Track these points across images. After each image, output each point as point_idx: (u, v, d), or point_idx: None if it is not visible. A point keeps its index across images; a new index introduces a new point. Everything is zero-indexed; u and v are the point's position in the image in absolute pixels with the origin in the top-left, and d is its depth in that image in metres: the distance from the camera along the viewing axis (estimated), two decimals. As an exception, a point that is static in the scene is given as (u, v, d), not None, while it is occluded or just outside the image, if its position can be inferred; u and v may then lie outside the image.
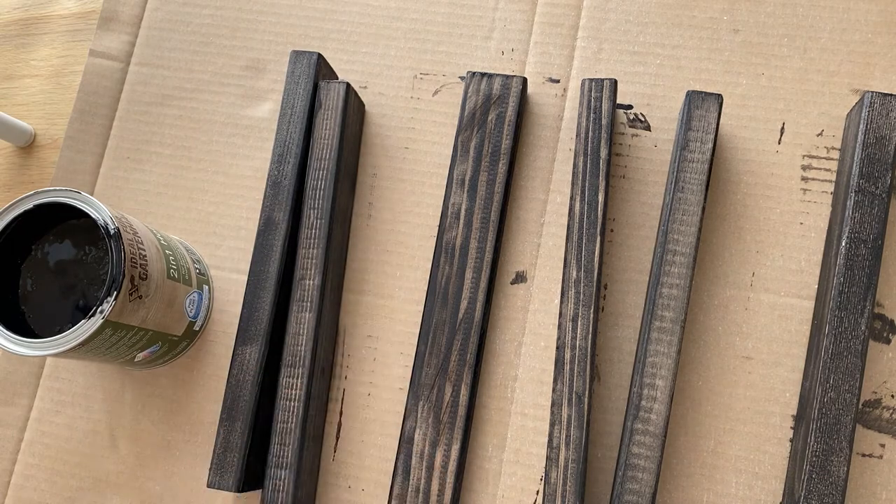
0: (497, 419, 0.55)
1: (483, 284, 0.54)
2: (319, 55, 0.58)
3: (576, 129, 0.55)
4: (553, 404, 0.50)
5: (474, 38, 0.61)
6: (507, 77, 0.57)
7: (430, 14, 0.62)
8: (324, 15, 0.63)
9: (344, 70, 0.62)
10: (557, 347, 0.51)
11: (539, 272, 0.57)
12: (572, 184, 0.53)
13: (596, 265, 0.52)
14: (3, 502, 0.58)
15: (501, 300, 0.56)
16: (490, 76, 0.57)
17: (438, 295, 0.54)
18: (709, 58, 0.58)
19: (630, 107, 0.58)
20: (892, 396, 0.52)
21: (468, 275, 0.54)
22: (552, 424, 0.50)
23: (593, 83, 0.55)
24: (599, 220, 0.52)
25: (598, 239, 0.52)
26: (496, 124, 0.57)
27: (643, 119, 0.58)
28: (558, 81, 0.59)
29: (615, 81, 0.55)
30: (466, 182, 0.56)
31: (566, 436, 0.50)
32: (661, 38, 0.59)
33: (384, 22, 0.62)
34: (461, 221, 0.55)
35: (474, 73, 0.58)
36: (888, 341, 0.53)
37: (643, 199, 0.57)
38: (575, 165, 0.54)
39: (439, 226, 0.56)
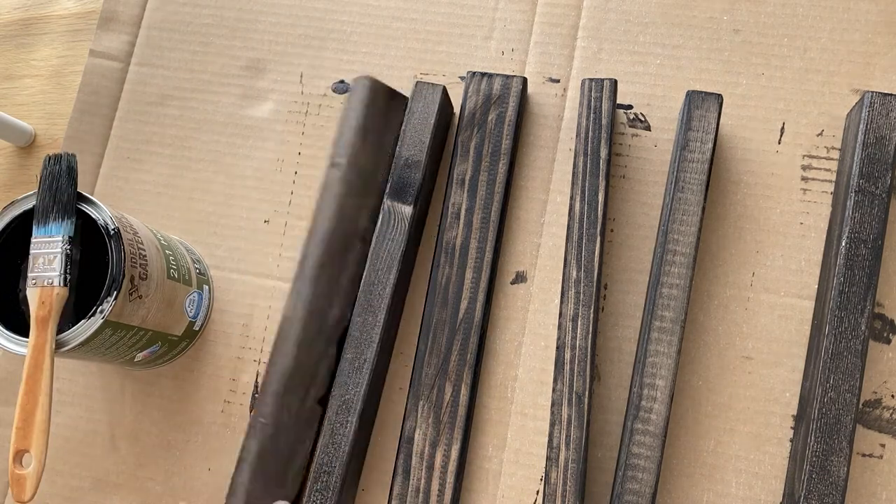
0: (497, 419, 0.55)
1: (483, 284, 0.54)
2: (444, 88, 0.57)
3: (576, 129, 0.55)
4: (553, 404, 0.50)
5: (474, 38, 0.61)
6: (507, 77, 0.57)
7: (430, 14, 0.62)
8: (324, 15, 0.63)
9: (344, 70, 0.62)
10: (557, 347, 0.51)
11: (539, 272, 0.57)
12: (572, 184, 0.53)
13: (596, 265, 0.52)
14: (3, 502, 0.58)
15: (501, 300, 0.56)
16: (490, 76, 0.57)
17: (438, 295, 0.54)
18: (709, 58, 0.58)
19: (630, 107, 0.58)
20: (893, 396, 0.52)
21: (468, 275, 0.54)
22: (552, 424, 0.50)
23: (593, 83, 0.55)
24: (599, 220, 0.52)
25: (598, 239, 0.52)
26: (496, 124, 0.57)
27: (643, 119, 0.58)
28: (558, 81, 0.59)
29: (615, 81, 0.55)
30: (466, 182, 0.56)
31: (566, 436, 0.50)
32: (661, 38, 0.59)
33: (384, 22, 0.62)
34: (461, 221, 0.55)
35: (474, 73, 0.58)
36: (888, 341, 0.53)
37: (643, 199, 0.57)
38: (575, 165, 0.54)
39: (439, 226, 0.56)
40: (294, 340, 0.51)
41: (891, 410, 0.52)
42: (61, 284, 0.47)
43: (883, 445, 0.51)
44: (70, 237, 0.48)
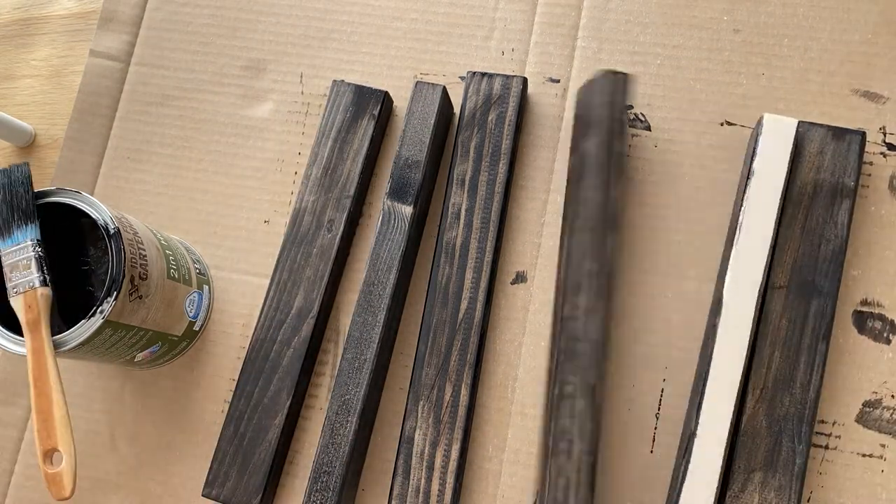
0: (497, 419, 0.55)
1: (483, 284, 0.54)
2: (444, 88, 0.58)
3: (576, 129, 0.55)
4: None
5: (474, 38, 0.61)
6: (508, 77, 0.57)
7: (430, 14, 0.62)
8: (324, 15, 0.63)
9: (344, 70, 0.62)
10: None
11: (539, 272, 0.57)
12: (572, 184, 0.53)
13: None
14: (3, 502, 0.58)
15: (501, 300, 0.56)
16: (490, 76, 0.57)
17: (438, 295, 0.54)
18: (709, 58, 0.58)
19: (630, 107, 0.58)
20: (893, 397, 0.52)
21: (468, 275, 0.54)
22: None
23: (593, 83, 0.55)
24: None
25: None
26: (496, 124, 0.56)
27: (643, 119, 0.58)
28: (558, 81, 0.59)
29: (615, 81, 0.55)
30: (466, 182, 0.56)
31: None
32: (661, 38, 0.59)
33: (384, 22, 0.62)
34: (461, 221, 0.55)
35: (474, 73, 0.58)
36: (888, 341, 0.53)
37: (643, 200, 0.57)
38: (575, 165, 0.54)
39: (439, 226, 0.56)
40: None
41: (891, 411, 0.52)
42: (43, 285, 0.47)
43: (883, 446, 0.51)
44: (38, 240, 0.48)
